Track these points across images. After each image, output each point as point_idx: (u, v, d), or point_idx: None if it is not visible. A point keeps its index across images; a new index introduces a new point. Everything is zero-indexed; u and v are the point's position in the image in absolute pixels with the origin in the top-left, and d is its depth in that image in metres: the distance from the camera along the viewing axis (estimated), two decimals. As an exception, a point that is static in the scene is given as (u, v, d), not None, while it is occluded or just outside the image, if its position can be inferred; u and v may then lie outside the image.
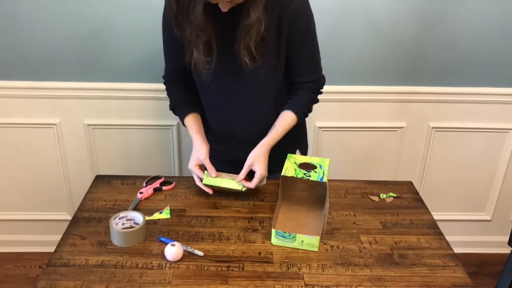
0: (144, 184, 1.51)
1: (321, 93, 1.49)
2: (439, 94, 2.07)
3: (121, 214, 1.29)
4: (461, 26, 1.94)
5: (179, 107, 1.53)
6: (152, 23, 1.86)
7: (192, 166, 1.45)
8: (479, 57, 2.01)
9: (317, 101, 1.50)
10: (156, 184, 1.51)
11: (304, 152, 1.63)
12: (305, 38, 1.37)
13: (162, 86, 1.96)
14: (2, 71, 1.96)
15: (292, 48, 1.36)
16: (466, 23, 1.94)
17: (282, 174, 1.31)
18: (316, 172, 1.31)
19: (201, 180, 1.44)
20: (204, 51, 1.30)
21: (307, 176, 1.29)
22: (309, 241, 1.24)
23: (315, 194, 1.40)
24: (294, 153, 1.53)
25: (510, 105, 2.11)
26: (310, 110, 1.49)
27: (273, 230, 1.27)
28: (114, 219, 1.27)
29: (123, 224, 1.30)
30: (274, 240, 1.27)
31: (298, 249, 1.25)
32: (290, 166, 1.34)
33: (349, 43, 1.95)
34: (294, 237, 1.24)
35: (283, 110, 1.45)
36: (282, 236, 1.26)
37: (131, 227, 1.29)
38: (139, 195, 1.44)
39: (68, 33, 1.89)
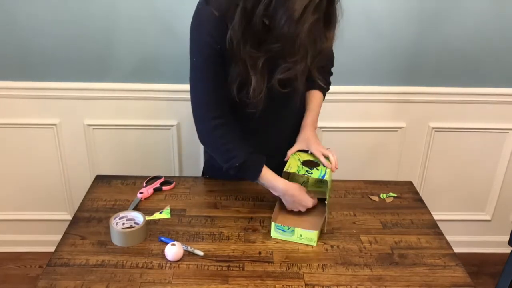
0: (144, 184, 1.51)
1: (333, 65, 1.52)
2: (439, 94, 2.07)
3: (121, 214, 1.29)
4: (461, 26, 1.94)
5: (252, 159, 1.30)
6: (152, 23, 1.87)
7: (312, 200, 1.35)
8: (479, 57, 2.01)
9: (331, 73, 1.52)
10: (156, 184, 1.51)
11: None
12: None
13: (162, 86, 1.99)
14: (2, 71, 1.96)
15: None
16: (466, 23, 1.94)
17: (284, 170, 1.32)
18: (318, 169, 1.32)
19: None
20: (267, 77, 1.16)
21: (309, 173, 1.30)
22: (307, 235, 1.25)
23: (317, 191, 1.41)
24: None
25: (510, 105, 2.11)
26: (329, 83, 1.52)
27: (273, 224, 1.28)
28: (114, 219, 1.27)
29: (123, 224, 1.30)
30: (274, 233, 1.29)
31: (297, 243, 1.26)
32: (294, 163, 1.35)
33: (349, 43, 1.95)
34: (293, 231, 1.26)
35: (311, 90, 1.46)
36: (281, 230, 1.27)
37: (131, 227, 1.29)
38: (139, 195, 1.44)
39: (68, 33, 1.89)
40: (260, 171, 1.30)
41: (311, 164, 1.36)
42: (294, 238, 1.27)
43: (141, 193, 1.45)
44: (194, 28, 1.22)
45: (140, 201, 1.44)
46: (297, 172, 1.31)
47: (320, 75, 1.32)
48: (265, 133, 1.41)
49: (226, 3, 1.13)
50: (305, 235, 1.26)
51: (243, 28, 1.10)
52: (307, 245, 1.27)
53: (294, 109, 1.44)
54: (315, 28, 1.07)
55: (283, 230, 1.27)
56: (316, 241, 1.26)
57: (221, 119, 1.28)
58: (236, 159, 1.27)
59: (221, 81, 1.23)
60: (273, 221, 1.29)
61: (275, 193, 1.34)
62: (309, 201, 1.35)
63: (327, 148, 1.38)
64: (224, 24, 1.14)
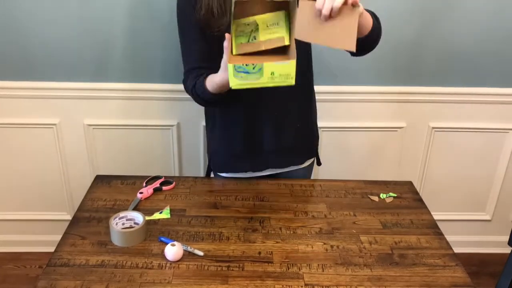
0: (144, 184, 1.51)
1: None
2: (439, 94, 2.07)
3: (121, 214, 1.29)
4: (461, 26, 1.94)
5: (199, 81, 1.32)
6: (152, 23, 1.87)
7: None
8: (479, 57, 2.01)
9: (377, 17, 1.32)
10: (156, 184, 1.51)
11: (316, 141, 1.64)
12: None
13: (161, 86, 1.98)
14: (2, 71, 1.96)
15: None
16: (466, 23, 1.94)
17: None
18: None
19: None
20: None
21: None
22: (282, 71, 0.98)
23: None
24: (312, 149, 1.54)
25: (510, 105, 2.11)
26: (378, 19, 1.31)
27: (230, 66, 0.99)
28: (114, 219, 1.27)
29: (123, 224, 1.30)
30: (234, 80, 1.00)
31: (269, 87, 1.01)
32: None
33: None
34: (260, 69, 0.99)
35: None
36: (244, 72, 0.99)
37: (131, 227, 1.29)
38: (139, 195, 1.44)
39: (68, 33, 1.89)
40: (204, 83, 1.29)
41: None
42: (264, 79, 0.99)
43: (141, 193, 1.45)
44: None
45: (140, 201, 1.44)
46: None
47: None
48: (259, 109, 1.40)
49: None
50: (278, 71, 0.98)
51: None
52: (282, 86, 1.00)
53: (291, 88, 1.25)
54: None
55: (247, 72, 0.98)
56: (294, 77, 0.99)
57: (193, 72, 1.34)
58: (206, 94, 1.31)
59: (201, 34, 1.29)
60: (229, 63, 0.99)
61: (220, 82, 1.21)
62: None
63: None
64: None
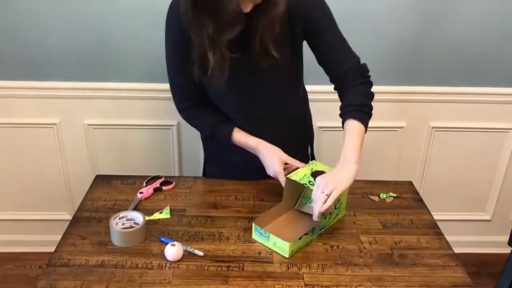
0: (144, 184, 1.51)
1: (371, 84, 1.35)
2: (439, 94, 2.07)
3: (121, 214, 1.29)
4: (461, 26, 1.94)
5: (219, 128, 1.41)
6: (152, 23, 1.87)
7: (279, 168, 1.32)
8: (479, 57, 2.01)
9: (370, 94, 1.34)
10: (156, 184, 1.51)
11: (311, 144, 1.62)
12: (325, 30, 1.31)
13: (162, 86, 1.98)
14: (2, 71, 1.96)
15: (316, 43, 1.33)
16: (466, 23, 1.94)
17: (287, 176, 1.30)
18: None
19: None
20: (229, 48, 1.17)
21: (310, 184, 1.26)
22: (280, 245, 1.20)
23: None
24: (306, 149, 1.55)
25: (510, 105, 2.11)
26: (369, 107, 1.32)
27: (253, 225, 1.26)
28: (114, 219, 1.27)
29: (123, 224, 1.30)
30: (254, 234, 1.27)
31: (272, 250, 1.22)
32: (302, 171, 1.32)
33: (349, 43, 1.95)
34: (268, 236, 1.22)
35: (345, 120, 1.30)
36: (259, 233, 1.25)
37: (131, 227, 1.29)
38: (139, 195, 1.44)
39: (69, 33, 1.89)
40: (230, 137, 1.40)
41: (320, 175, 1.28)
42: (270, 244, 1.23)
43: (141, 193, 1.45)
44: (166, 20, 1.32)
45: (140, 201, 1.44)
46: (298, 180, 1.28)
47: (352, 98, 1.30)
48: (250, 115, 1.41)
49: None
50: (278, 244, 1.21)
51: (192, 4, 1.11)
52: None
53: (277, 88, 1.38)
54: None
55: (261, 233, 1.24)
56: (289, 253, 1.19)
57: (184, 104, 1.43)
58: (205, 132, 1.46)
59: (184, 68, 1.30)
60: (254, 223, 1.26)
61: (252, 151, 1.40)
62: (276, 168, 1.32)
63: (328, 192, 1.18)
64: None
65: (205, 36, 1.15)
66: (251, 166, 1.43)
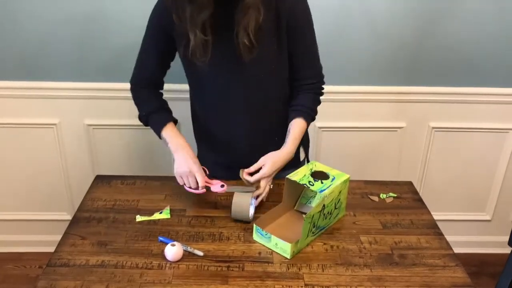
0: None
1: (322, 94, 1.48)
2: (439, 94, 2.07)
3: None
4: (461, 26, 1.94)
5: (155, 116, 1.46)
6: (152, 23, 1.87)
7: (190, 173, 1.35)
8: (479, 57, 2.01)
9: (319, 102, 1.48)
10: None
11: (306, 148, 1.62)
12: (304, 31, 1.37)
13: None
14: (2, 71, 1.96)
15: (292, 43, 1.36)
16: (466, 23, 1.94)
17: (287, 176, 1.30)
18: (323, 183, 1.27)
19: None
20: (203, 29, 1.25)
21: (310, 184, 1.27)
22: (282, 246, 1.20)
23: None
24: (297, 151, 1.53)
25: (510, 105, 2.11)
26: (316, 113, 1.48)
27: (254, 225, 1.26)
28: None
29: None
30: (255, 235, 1.27)
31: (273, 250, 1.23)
32: (302, 171, 1.32)
33: (349, 43, 1.95)
34: (269, 237, 1.22)
35: (293, 118, 1.43)
36: (260, 234, 1.25)
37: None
38: (221, 188, 1.36)
39: (68, 33, 1.89)
40: (161, 129, 1.42)
41: (321, 175, 1.31)
42: (271, 245, 1.23)
43: (222, 186, 1.36)
44: (155, 4, 1.39)
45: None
46: (298, 181, 1.28)
47: (305, 101, 1.44)
48: (228, 106, 1.42)
49: None
50: (280, 245, 1.21)
51: None
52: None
53: (261, 83, 1.40)
54: None
55: (262, 234, 1.24)
56: (290, 254, 1.20)
57: (138, 81, 1.49)
58: (141, 112, 1.47)
59: (158, 50, 1.42)
60: (255, 223, 1.26)
61: (171, 150, 1.40)
62: (197, 172, 1.33)
63: (269, 184, 1.38)
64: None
65: (185, 17, 1.24)
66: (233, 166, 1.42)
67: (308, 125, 1.45)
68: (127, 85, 1.99)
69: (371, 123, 2.13)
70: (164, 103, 1.50)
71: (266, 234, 1.23)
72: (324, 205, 1.24)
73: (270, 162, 1.35)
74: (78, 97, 2.02)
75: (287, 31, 1.34)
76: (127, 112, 2.05)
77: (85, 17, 1.86)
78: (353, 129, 2.13)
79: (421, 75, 2.05)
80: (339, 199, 1.32)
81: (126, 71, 1.97)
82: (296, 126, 1.42)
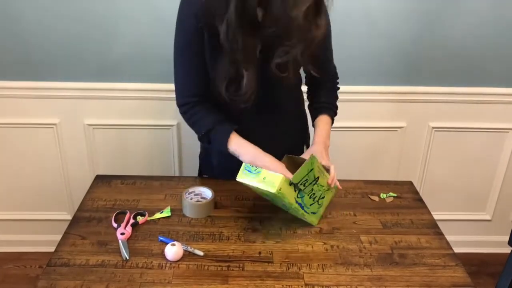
0: (114, 224, 1.32)
1: (338, 88, 1.54)
2: (439, 94, 2.07)
3: (190, 190, 1.42)
4: (461, 26, 1.94)
5: (219, 129, 1.32)
6: (152, 23, 1.87)
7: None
8: (479, 57, 2.01)
9: (337, 97, 1.53)
10: (130, 220, 1.34)
11: (307, 144, 1.62)
12: (329, 35, 1.40)
13: (162, 86, 1.98)
14: (2, 71, 1.96)
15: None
16: (466, 23, 1.94)
17: (287, 154, 1.32)
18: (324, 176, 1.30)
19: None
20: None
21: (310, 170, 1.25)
22: (271, 179, 1.19)
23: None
24: (302, 147, 1.55)
25: (510, 105, 2.11)
26: (337, 108, 1.52)
27: (243, 165, 1.25)
28: (185, 193, 1.39)
29: (191, 199, 1.41)
30: (240, 175, 1.24)
31: (260, 189, 1.21)
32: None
33: (349, 43, 1.95)
34: (259, 172, 1.21)
35: (320, 114, 1.45)
36: (248, 171, 1.23)
37: (198, 201, 1.40)
38: (121, 236, 1.27)
39: (69, 33, 1.89)
40: (227, 136, 1.30)
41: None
42: (258, 179, 1.20)
43: (122, 234, 1.27)
44: (180, 8, 1.25)
45: (127, 241, 1.27)
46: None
47: (327, 98, 1.47)
48: (263, 131, 1.40)
49: None
50: (268, 178, 1.19)
51: (238, 17, 1.10)
52: (270, 192, 1.18)
53: (289, 106, 1.45)
54: (310, 11, 1.11)
55: (250, 171, 1.22)
56: (276, 188, 1.17)
57: (186, 99, 1.34)
58: (202, 128, 1.34)
59: (196, 65, 1.28)
60: (244, 164, 1.25)
61: (246, 161, 1.27)
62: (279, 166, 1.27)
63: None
64: (209, 10, 1.15)
65: (252, 55, 1.17)
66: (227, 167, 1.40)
67: (332, 121, 1.47)
68: (127, 85, 2.01)
69: (371, 123, 2.13)
70: (221, 115, 1.35)
71: (255, 170, 1.22)
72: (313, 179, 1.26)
73: (320, 154, 1.34)
74: (78, 97, 2.02)
75: None
76: (127, 112, 2.06)
77: (85, 17, 1.86)
78: (353, 129, 2.13)
79: (421, 75, 2.05)
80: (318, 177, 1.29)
81: (126, 71, 1.98)
82: (324, 123, 1.44)
